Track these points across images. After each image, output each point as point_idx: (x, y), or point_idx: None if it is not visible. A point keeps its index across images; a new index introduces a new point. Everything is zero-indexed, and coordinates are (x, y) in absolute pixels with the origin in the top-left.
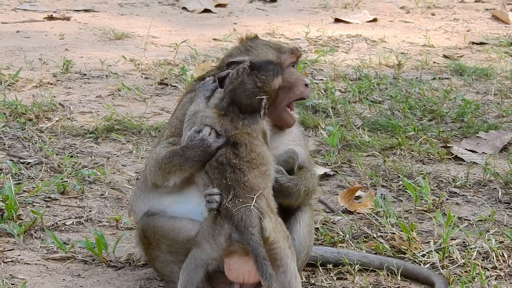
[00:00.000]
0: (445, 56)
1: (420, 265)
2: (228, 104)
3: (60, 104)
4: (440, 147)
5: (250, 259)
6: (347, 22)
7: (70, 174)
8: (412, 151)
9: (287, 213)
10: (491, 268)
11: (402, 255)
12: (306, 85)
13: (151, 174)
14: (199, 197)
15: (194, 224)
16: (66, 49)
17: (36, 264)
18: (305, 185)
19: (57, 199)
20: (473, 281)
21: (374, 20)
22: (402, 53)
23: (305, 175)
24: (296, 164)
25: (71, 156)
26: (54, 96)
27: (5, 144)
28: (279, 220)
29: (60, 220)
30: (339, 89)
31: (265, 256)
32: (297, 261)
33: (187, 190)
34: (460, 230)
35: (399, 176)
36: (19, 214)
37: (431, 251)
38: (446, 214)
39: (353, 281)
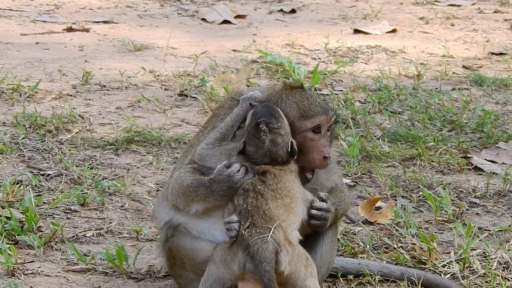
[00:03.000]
0: (464, 67)
1: (440, 275)
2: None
3: (79, 115)
4: (460, 157)
5: None
6: (367, 33)
7: (90, 185)
8: (432, 161)
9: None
10: (511, 278)
11: (423, 266)
12: (325, 157)
13: (173, 197)
14: (221, 212)
15: (212, 246)
16: (86, 60)
17: (56, 276)
18: (343, 208)
19: (77, 211)
20: None
21: (394, 30)
22: (421, 63)
23: (340, 196)
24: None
25: (91, 168)
26: (74, 108)
27: (25, 156)
28: (297, 250)
29: (80, 232)
30: (359, 100)
31: None
32: (318, 275)
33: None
34: (480, 240)
35: (419, 187)
36: (39, 226)
37: (452, 261)
38: (466, 225)
39: None
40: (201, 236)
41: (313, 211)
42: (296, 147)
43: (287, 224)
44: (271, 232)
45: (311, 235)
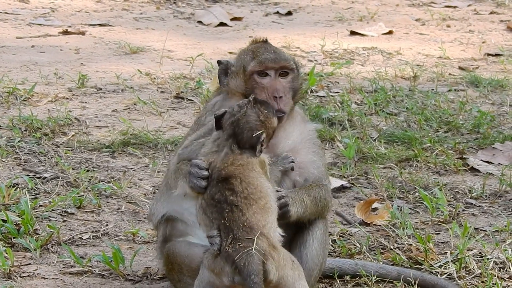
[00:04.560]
0: (460, 68)
1: (437, 275)
2: (227, 136)
3: (76, 118)
4: (456, 158)
5: None
6: (363, 35)
7: (86, 188)
8: (428, 162)
9: (300, 228)
10: (507, 278)
11: (419, 266)
12: (275, 97)
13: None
14: None
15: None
16: (82, 63)
17: (53, 278)
18: (316, 198)
19: (74, 214)
20: None
21: (390, 32)
22: (417, 65)
23: (311, 186)
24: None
25: (88, 171)
26: (70, 111)
27: (21, 159)
28: (282, 254)
29: (76, 235)
30: (355, 102)
31: None
32: (309, 277)
33: None
34: (476, 240)
35: (416, 188)
36: (36, 229)
37: (448, 261)
38: (462, 225)
39: None
40: (197, 225)
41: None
42: (262, 147)
43: (268, 227)
44: (254, 243)
45: (300, 237)
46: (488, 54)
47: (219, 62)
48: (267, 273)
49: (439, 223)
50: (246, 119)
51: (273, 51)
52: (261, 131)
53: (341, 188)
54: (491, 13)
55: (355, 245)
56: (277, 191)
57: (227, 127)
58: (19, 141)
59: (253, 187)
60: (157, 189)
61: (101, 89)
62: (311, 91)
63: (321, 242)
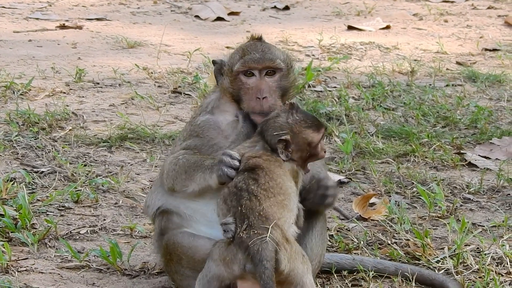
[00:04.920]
0: (458, 63)
1: (434, 271)
2: (258, 134)
3: (73, 113)
4: (453, 153)
5: None
6: (360, 30)
7: (84, 183)
8: (426, 157)
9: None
10: (505, 273)
11: (417, 262)
12: (258, 98)
13: (170, 179)
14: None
15: (211, 244)
16: (79, 57)
17: (50, 273)
18: None
19: (71, 208)
20: (488, 286)
21: (387, 27)
22: (415, 60)
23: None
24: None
25: (85, 165)
26: (67, 105)
27: (18, 153)
28: (295, 247)
29: (74, 229)
30: (353, 97)
31: None
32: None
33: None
34: (474, 236)
35: (413, 183)
36: (33, 223)
37: (446, 257)
38: (460, 220)
39: (368, 287)
40: (193, 218)
41: (329, 192)
42: (288, 153)
43: (283, 221)
44: (269, 232)
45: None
46: (486, 49)
47: (213, 62)
48: (279, 262)
49: (436, 218)
50: (275, 119)
51: (261, 50)
52: (283, 132)
53: (339, 183)
54: (488, 8)
55: (352, 240)
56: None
57: (260, 125)
58: (16, 136)
59: (275, 182)
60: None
61: (98, 83)
62: (309, 86)
63: (320, 234)
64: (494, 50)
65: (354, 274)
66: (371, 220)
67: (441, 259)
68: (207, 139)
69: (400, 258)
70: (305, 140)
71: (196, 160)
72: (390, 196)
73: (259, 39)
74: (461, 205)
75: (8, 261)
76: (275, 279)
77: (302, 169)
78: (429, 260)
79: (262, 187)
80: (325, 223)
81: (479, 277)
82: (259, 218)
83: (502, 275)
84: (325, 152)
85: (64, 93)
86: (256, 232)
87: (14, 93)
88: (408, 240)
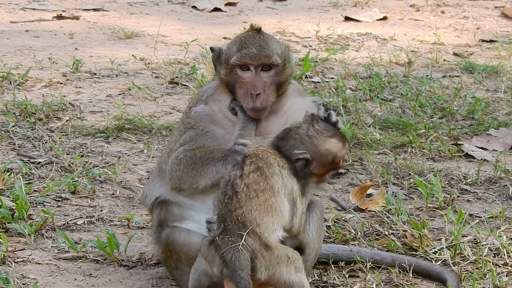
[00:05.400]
0: (455, 54)
1: (431, 262)
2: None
3: (70, 103)
4: (450, 144)
5: None
6: (357, 21)
7: (81, 173)
8: (423, 148)
9: None
10: (502, 264)
11: (414, 253)
12: (251, 94)
13: (175, 179)
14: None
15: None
16: (76, 48)
17: (47, 264)
18: None
19: (68, 199)
20: (485, 277)
21: (384, 18)
22: (412, 51)
23: None
24: None
25: (82, 156)
26: (64, 96)
27: (15, 144)
28: (276, 253)
29: (71, 220)
30: (350, 87)
31: None
32: (306, 262)
33: None
34: (471, 227)
35: (410, 174)
36: (30, 214)
37: (443, 248)
38: (457, 211)
39: (365, 278)
40: (193, 207)
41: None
42: (307, 171)
43: (263, 227)
44: (243, 240)
45: None
46: (483, 40)
47: (212, 49)
48: (254, 271)
49: (433, 209)
50: (296, 131)
51: (258, 45)
52: (302, 152)
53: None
54: None
55: (349, 231)
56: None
57: (280, 134)
58: (13, 126)
59: (263, 180)
60: (148, 179)
61: (95, 74)
62: (306, 77)
63: (317, 228)
64: (491, 41)
65: (352, 265)
66: (368, 211)
67: (438, 250)
68: (201, 129)
69: (397, 249)
70: (327, 156)
71: (202, 155)
72: (387, 187)
73: (258, 30)
74: (458, 196)
75: (5, 252)
76: (255, 284)
77: (322, 181)
78: (426, 251)
79: (245, 180)
80: (322, 216)
81: (476, 268)
82: (235, 223)
83: (499, 266)
84: (346, 162)
85: (61, 83)
86: (230, 238)
87: (11, 83)
88: (406, 231)
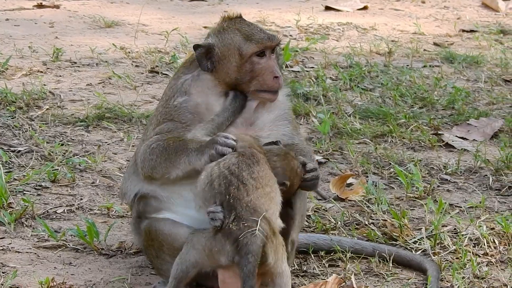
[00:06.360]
0: (435, 44)
1: (411, 251)
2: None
3: (50, 92)
4: (431, 134)
5: None
6: (338, 10)
7: (61, 162)
8: (403, 138)
9: None
10: (482, 254)
11: (394, 242)
12: (276, 77)
13: (147, 168)
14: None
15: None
16: (56, 37)
17: (27, 252)
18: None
19: (48, 187)
20: (465, 267)
21: (365, 8)
22: (392, 41)
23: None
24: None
25: (62, 144)
26: (44, 84)
27: None
28: (279, 240)
29: (51, 208)
30: (330, 77)
31: (252, 285)
32: (295, 233)
33: None
34: (451, 216)
35: (391, 163)
36: (10, 203)
37: (423, 237)
38: (437, 201)
39: (345, 268)
40: (170, 200)
41: (307, 175)
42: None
43: (271, 213)
44: (259, 225)
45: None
46: (463, 30)
47: (197, 46)
48: (266, 256)
49: (414, 199)
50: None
51: (260, 29)
52: (287, 182)
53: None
54: None
55: (330, 220)
56: (308, 162)
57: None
58: None
59: (265, 173)
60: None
61: (75, 63)
62: (286, 66)
63: (304, 202)
64: (471, 31)
65: (331, 254)
66: (349, 200)
67: (418, 239)
68: (182, 122)
69: (377, 238)
70: (294, 179)
71: (176, 145)
72: (367, 177)
73: (241, 17)
74: (438, 186)
75: None
76: (261, 271)
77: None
78: (406, 240)
79: (252, 175)
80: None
81: (456, 258)
82: (246, 209)
83: (479, 256)
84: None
85: (41, 72)
86: (246, 224)
87: None
88: (385, 220)
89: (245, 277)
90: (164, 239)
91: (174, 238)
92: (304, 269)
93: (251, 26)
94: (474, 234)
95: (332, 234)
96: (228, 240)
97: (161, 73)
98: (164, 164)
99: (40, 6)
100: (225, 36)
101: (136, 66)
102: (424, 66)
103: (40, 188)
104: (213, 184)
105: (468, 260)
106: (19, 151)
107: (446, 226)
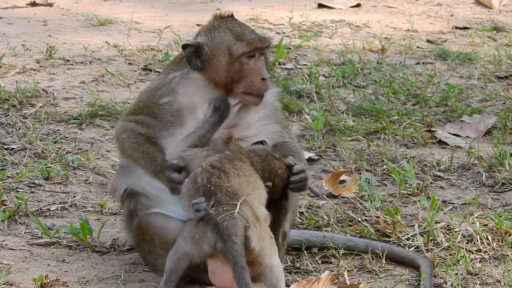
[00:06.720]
0: (428, 41)
1: (404, 248)
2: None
3: (43, 90)
4: (424, 131)
5: None
6: (331, 7)
7: (54, 159)
8: (396, 135)
9: None
10: (475, 251)
11: (387, 239)
12: (264, 79)
13: (120, 149)
14: None
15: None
16: (49, 35)
17: (20, 249)
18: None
19: (41, 185)
20: (458, 264)
21: (358, 5)
22: (385, 38)
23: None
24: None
25: (55, 142)
26: (38, 82)
27: None
28: (264, 227)
29: (44, 206)
30: (323, 74)
31: (243, 266)
32: (287, 224)
33: None
34: (444, 213)
35: (384, 160)
36: (3, 200)
37: (416, 234)
38: (430, 198)
39: (338, 264)
40: (160, 197)
41: (293, 178)
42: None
43: (253, 197)
44: (237, 208)
45: None
46: (456, 27)
47: (186, 46)
48: (249, 240)
49: (407, 195)
50: (271, 162)
51: (251, 30)
52: (269, 183)
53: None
54: None
55: (322, 217)
56: (296, 164)
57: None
58: None
59: (248, 168)
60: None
61: (68, 60)
62: (279, 64)
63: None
64: (465, 28)
65: (324, 251)
66: (341, 197)
67: (411, 236)
68: (163, 122)
69: (370, 235)
70: (278, 179)
71: (146, 150)
72: (360, 174)
73: (233, 16)
74: (431, 183)
75: None
76: (246, 257)
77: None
78: (399, 237)
79: (235, 166)
80: None
81: (450, 255)
82: (226, 194)
83: (473, 253)
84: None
85: (35, 70)
86: (224, 208)
87: None
88: (378, 217)
89: (234, 259)
90: (155, 232)
91: (166, 231)
92: (297, 265)
93: (243, 26)
94: (467, 230)
95: (325, 231)
96: (209, 226)
97: (154, 70)
98: (132, 159)
99: (33, 4)
100: (215, 35)
101: (129, 63)
102: (417, 63)
103: (33, 185)
104: (196, 180)
105: (461, 256)
106: (13, 148)
107: (439, 222)
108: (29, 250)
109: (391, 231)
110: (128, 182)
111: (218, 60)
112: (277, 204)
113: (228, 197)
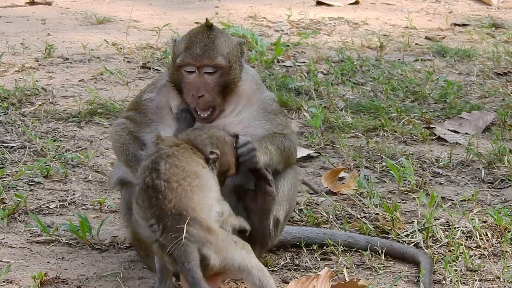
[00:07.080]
0: (427, 38)
1: (403, 245)
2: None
3: (42, 88)
4: (423, 128)
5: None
6: (329, 5)
7: (53, 157)
8: (395, 132)
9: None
10: (474, 247)
11: (386, 236)
12: (194, 96)
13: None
14: None
15: None
16: (48, 33)
17: (20, 247)
18: (279, 145)
19: (41, 183)
20: (457, 260)
21: (356, 2)
22: (384, 35)
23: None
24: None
25: (54, 140)
26: (37, 81)
27: None
28: (220, 236)
29: (43, 204)
30: (322, 71)
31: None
32: (280, 211)
33: None
34: (443, 210)
35: (382, 157)
36: (3, 198)
37: (415, 231)
38: (429, 194)
39: (337, 261)
40: None
41: (240, 150)
42: (213, 166)
43: (199, 210)
44: (184, 232)
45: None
46: (455, 24)
47: (174, 41)
48: (206, 259)
49: (406, 192)
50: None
51: (204, 45)
52: (216, 152)
53: (308, 158)
54: None
55: (322, 214)
56: (240, 135)
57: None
58: None
59: (177, 169)
60: None
61: (67, 59)
62: (278, 61)
63: (292, 180)
64: (463, 25)
65: (324, 248)
66: (341, 194)
67: (410, 233)
68: (146, 118)
69: (369, 232)
70: (227, 160)
71: (123, 141)
72: (359, 171)
73: (210, 27)
74: (430, 179)
75: None
76: (209, 274)
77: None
78: (398, 234)
79: (163, 177)
80: (296, 174)
81: (449, 251)
82: (172, 217)
83: (472, 249)
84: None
85: (34, 68)
86: (172, 235)
87: None
88: (378, 214)
89: (192, 285)
90: (147, 241)
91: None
92: (296, 262)
93: (200, 39)
94: (466, 227)
95: (324, 227)
96: (165, 254)
97: (153, 68)
98: (113, 147)
99: (32, 3)
100: (181, 39)
101: (128, 62)
102: (416, 60)
103: (32, 183)
104: (138, 203)
105: (460, 253)
106: (12, 147)
107: (439, 219)
108: (28, 248)
109: (390, 228)
110: (123, 170)
111: (171, 65)
112: (261, 189)
113: (175, 221)
